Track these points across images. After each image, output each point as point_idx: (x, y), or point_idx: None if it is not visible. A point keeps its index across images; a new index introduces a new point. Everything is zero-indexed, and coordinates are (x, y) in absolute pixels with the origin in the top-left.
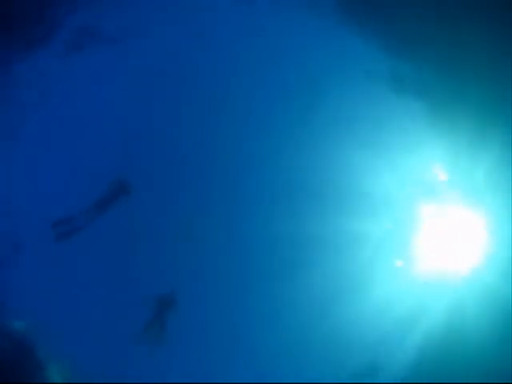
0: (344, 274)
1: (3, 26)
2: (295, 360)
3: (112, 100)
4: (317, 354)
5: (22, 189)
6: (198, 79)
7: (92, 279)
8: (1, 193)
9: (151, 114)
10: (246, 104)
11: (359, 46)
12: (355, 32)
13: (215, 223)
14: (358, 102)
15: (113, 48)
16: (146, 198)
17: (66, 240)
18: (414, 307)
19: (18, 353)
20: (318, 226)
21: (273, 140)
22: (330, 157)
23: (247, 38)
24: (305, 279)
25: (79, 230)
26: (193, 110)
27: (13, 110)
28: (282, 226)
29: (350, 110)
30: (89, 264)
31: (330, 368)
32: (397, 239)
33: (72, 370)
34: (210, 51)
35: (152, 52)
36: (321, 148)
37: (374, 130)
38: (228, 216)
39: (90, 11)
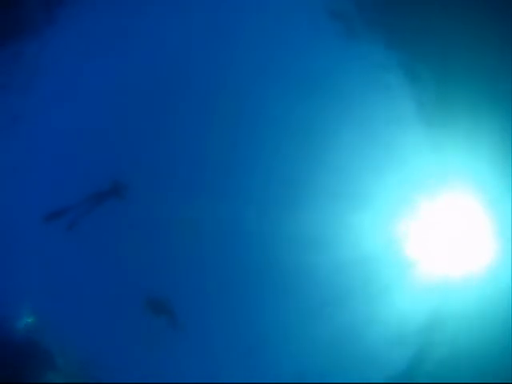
0: (349, 277)
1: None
2: (297, 360)
3: (111, 95)
4: (321, 356)
5: (16, 183)
6: (202, 77)
7: (90, 276)
8: None
9: (150, 114)
10: (243, 102)
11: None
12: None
13: (215, 222)
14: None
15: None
16: (144, 194)
17: (62, 234)
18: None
19: (19, 352)
20: (318, 224)
21: (271, 141)
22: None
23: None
24: (307, 281)
25: (74, 224)
26: (195, 109)
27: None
28: (281, 225)
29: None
30: (87, 261)
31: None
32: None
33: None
34: (211, 48)
35: (154, 49)
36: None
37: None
38: (228, 215)
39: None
